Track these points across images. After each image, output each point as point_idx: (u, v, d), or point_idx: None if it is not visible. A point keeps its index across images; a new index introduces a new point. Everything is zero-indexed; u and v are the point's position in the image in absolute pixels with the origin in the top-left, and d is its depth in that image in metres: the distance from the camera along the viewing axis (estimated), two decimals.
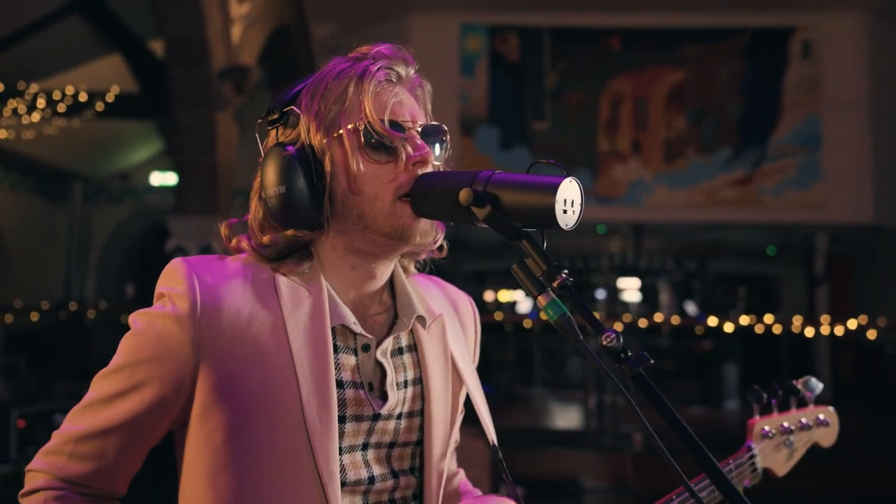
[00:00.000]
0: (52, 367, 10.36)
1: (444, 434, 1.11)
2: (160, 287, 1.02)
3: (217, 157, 6.61)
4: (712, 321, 8.31)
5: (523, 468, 6.40)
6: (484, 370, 11.31)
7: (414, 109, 1.06)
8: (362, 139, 1.01)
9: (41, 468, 1.03)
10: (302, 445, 0.97)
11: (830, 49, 9.52)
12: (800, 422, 1.38)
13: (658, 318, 9.50)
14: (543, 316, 0.85)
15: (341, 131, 1.01)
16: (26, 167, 11.10)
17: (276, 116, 1.05)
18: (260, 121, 1.08)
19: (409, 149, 1.01)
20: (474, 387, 1.17)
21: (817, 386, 1.38)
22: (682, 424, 0.78)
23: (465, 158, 9.43)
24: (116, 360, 1.02)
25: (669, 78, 9.81)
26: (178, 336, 0.98)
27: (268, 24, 7.71)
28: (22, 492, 1.03)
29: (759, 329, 8.14)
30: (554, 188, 0.86)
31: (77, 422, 1.03)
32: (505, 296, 12.96)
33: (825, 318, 8.56)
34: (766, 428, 1.34)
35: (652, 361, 0.81)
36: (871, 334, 8.25)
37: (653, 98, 9.83)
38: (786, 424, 1.36)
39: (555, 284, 0.86)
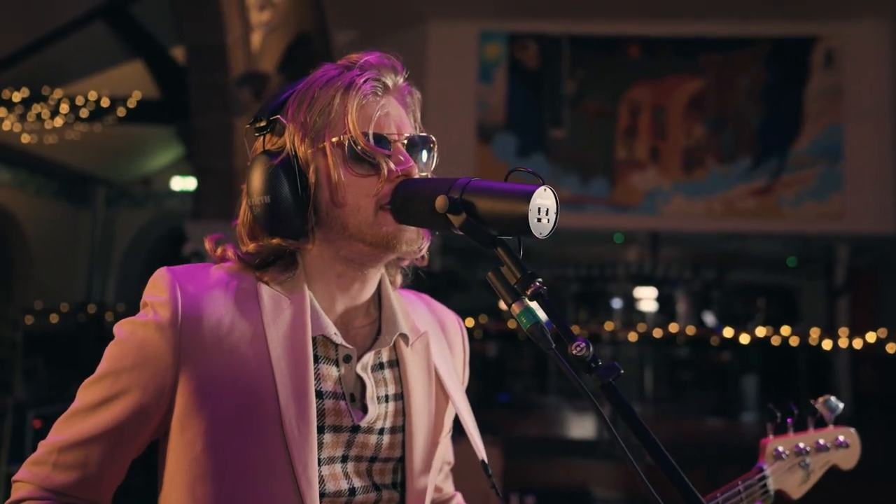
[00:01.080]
0: (71, 369, 10.48)
1: (425, 451, 1.10)
2: (145, 296, 1.04)
3: (235, 163, 6.67)
4: (728, 332, 8.23)
5: (536, 477, 6.37)
6: (499, 379, 11.31)
7: (401, 121, 1.06)
8: (346, 153, 1.01)
9: (26, 478, 1.03)
10: (280, 454, 0.97)
11: (853, 58, 9.41)
12: (817, 443, 1.33)
13: (673, 328, 9.42)
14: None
15: (325, 143, 1.02)
16: (50, 171, 11.27)
17: (263, 124, 1.06)
18: (248, 126, 1.09)
19: (392, 164, 1.01)
20: (462, 404, 1.17)
21: (837, 406, 1.32)
22: (652, 437, 0.78)
23: (483, 166, 9.43)
24: (100, 368, 1.03)
25: (689, 86, 9.75)
26: (160, 344, 0.99)
27: (289, 31, 7.78)
28: (7, 502, 1.04)
29: (775, 341, 8.04)
30: (528, 196, 0.86)
31: (61, 431, 1.03)
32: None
33: (843, 331, 8.43)
34: (780, 448, 1.30)
35: (622, 371, 0.81)
36: (892, 347, 8.12)
37: (672, 106, 9.77)
38: (801, 445, 1.31)
39: (528, 292, 0.86)
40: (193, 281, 1.03)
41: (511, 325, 10.10)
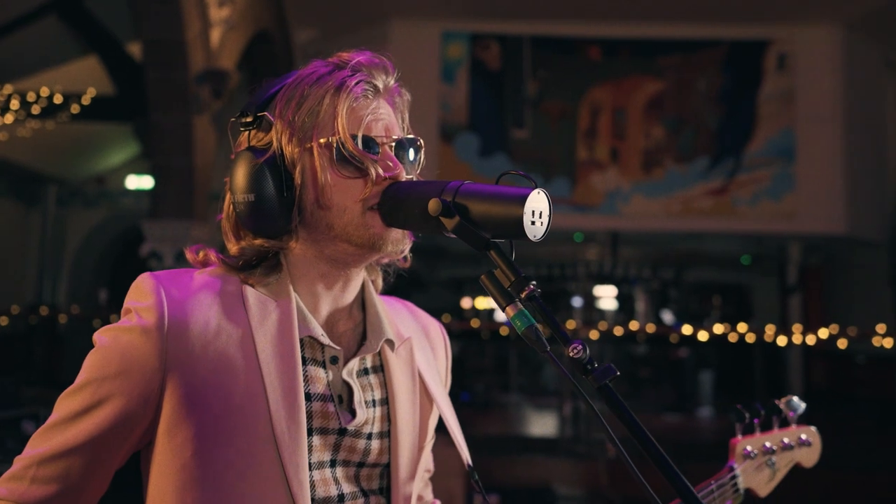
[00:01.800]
0: (22, 373, 10.20)
1: (410, 456, 1.10)
2: (128, 302, 1.01)
3: (195, 161, 6.57)
4: (687, 329, 8.39)
5: (498, 475, 6.40)
6: (460, 377, 11.34)
7: (390, 123, 1.06)
8: (334, 155, 1.00)
9: (2, 495, 0.99)
10: (271, 457, 0.96)
11: (804, 62, 9.66)
12: (782, 442, 1.37)
13: (634, 326, 9.55)
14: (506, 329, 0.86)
15: (313, 144, 1.01)
16: None
17: (249, 119, 1.04)
18: (233, 120, 1.07)
19: (380, 169, 1.01)
20: (447, 409, 1.17)
21: (799, 406, 1.37)
22: (648, 436, 0.79)
23: (445, 166, 9.44)
24: (80, 378, 1.00)
25: (648, 88, 9.90)
26: (145, 349, 0.96)
27: (248, 28, 7.68)
28: None
29: (732, 338, 8.22)
30: (522, 199, 0.86)
31: (39, 444, 0.99)
32: (482, 303, 12.97)
33: (797, 328, 8.66)
34: (749, 448, 1.33)
35: (618, 373, 0.81)
36: (842, 343, 8.36)
37: (631, 107, 9.91)
38: (768, 444, 1.35)
39: (523, 295, 0.86)
40: (178, 285, 1.01)
41: (474, 324, 10.13)
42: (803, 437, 1.40)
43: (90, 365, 1.00)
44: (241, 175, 1.01)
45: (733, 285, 13.29)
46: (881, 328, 7.95)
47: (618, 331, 8.94)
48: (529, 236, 0.87)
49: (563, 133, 9.95)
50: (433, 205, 0.91)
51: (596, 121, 9.93)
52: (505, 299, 0.87)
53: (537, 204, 0.88)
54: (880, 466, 6.98)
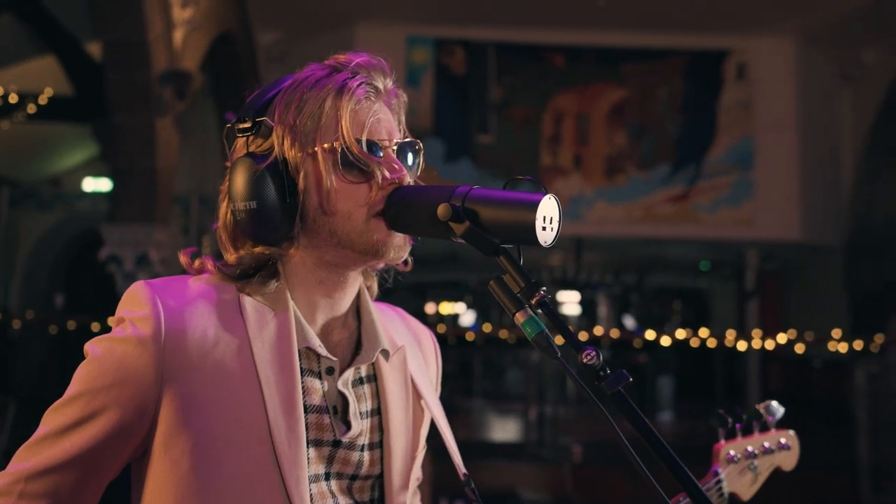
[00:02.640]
0: None
1: (403, 466, 1.09)
2: (121, 311, 0.98)
3: (157, 164, 6.45)
4: (650, 335, 8.50)
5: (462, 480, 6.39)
6: None
7: (391, 126, 1.05)
8: (338, 160, 0.99)
9: None
10: (271, 470, 0.94)
11: (762, 72, 9.87)
12: (763, 446, 1.39)
13: (598, 331, 9.65)
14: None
15: (316, 149, 0.99)
16: None
17: (248, 125, 1.02)
18: (229, 126, 1.05)
19: (386, 172, 1.00)
20: (440, 417, 1.16)
21: (778, 410, 1.39)
22: (661, 442, 0.79)
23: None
24: (71, 390, 0.96)
25: (611, 95, 10.02)
26: (141, 359, 0.94)
27: (211, 29, 7.58)
28: None
29: (694, 343, 8.35)
30: (535, 205, 0.86)
31: (27, 459, 0.95)
32: (446, 308, 12.98)
33: (756, 333, 8.83)
34: (732, 452, 1.34)
35: (631, 379, 0.81)
36: (799, 348, 8.55)
37: (595, 114, 10.02)
38: (750, 449, 1.37)
39: (533, 301, 0.86)
40: (173, 294, 0.98)
41: (440, 329, 10.12)
42: (783, 440, 1.43)
43: (82, 376, 0.96)
44: (241, 182, 0.99)
45: (693, 290, 13.53)
46: (836, 333, 8.15)
47: (582, 336, 9.02)
48: (540, 241, 0.87)
49: (527, 139, 10.02)
50: (443, 210, 0.90)
51: (560, 127, 10.02)
52: (515, 305, 0.87)
53: (548, 210, 0.88)
54: (835, 467, 7.16)
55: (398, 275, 1.17)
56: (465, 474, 1.13)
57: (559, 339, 0.89)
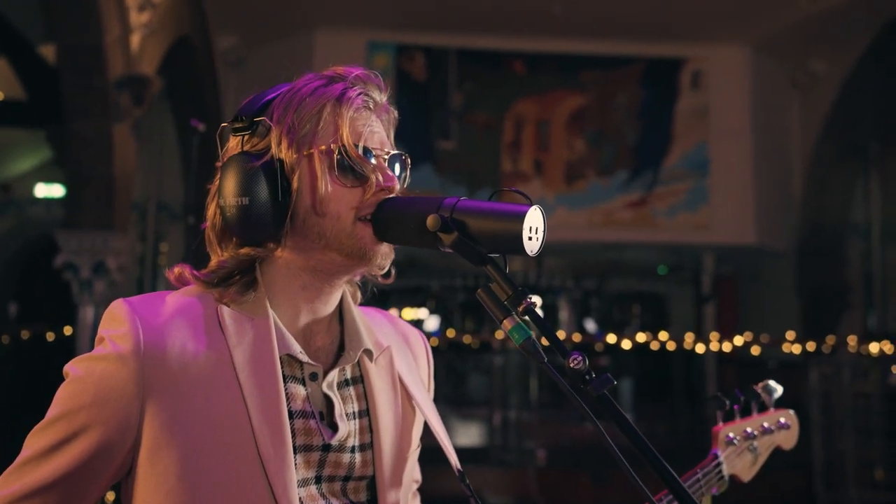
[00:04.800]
0: None
1: (394, 466, 1.10)
2: (101, 331, 0.99)
3: (114, 170, 6.34)
4: (611, 338, 8.61)
5: (426, 485, 6.39)
6: None
7: (383, 137, 1.08)
8: (334, 162, 1.01)
9: None
10: (258, 478, 0.95)
11: (716, 80, 10.09)
12: (762, 426, 1.40)
13: (561, 335, 9.73)
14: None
15: (313, 150, 1.01)
16: None
17: (244, 125, 1.03)
18: (224, 125, 1.06)
19: (380, 177, 1.02)
20: (432, 416, 1.18)
21: (776, 389, 1.39)
22: (647, 444, 0.81)
23: None
24: (51, 412, 0.96)
25: (571, 102, 10.14)
26: (121, 376, 0.94)
27: (168, 33, 7.48)
28: None
29: (654, 346, 8.49)
30: (522, 216, 0.89)
31: (10, 483, 0.94)
32: (409, 314, 12.95)
33: (714, 335, 9.01)
34: (731, 434, 1.35)
35: (615, 383, 0.84)
36: (755, 350, 8.74)
37: (554, 121, 10.13)
38: (749, 430, 1.37)
39: (520, 309, 0.88)
40: (152, 310, 0.99)
41: None
42: (782, 420, 1.44)
43: (62, 397, 0.96)
44: (234, 179, 1.00)
45: (651, 294, 13.73)
46: (790, 335, 8.36)
47: (544, 341, 9.08)
48: (527, 251, 0.90)
49: (488, 145, 10.08)
50: (432, 220, 0.93)
51: (520, 133, 10.11)
52: (502, 312, 0.89)
53: (534, 220, 0.91)
54: (790, 466, 7.33)
55: (371, 283, 1.18)
56: (459, 470, 1.16)
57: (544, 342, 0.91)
